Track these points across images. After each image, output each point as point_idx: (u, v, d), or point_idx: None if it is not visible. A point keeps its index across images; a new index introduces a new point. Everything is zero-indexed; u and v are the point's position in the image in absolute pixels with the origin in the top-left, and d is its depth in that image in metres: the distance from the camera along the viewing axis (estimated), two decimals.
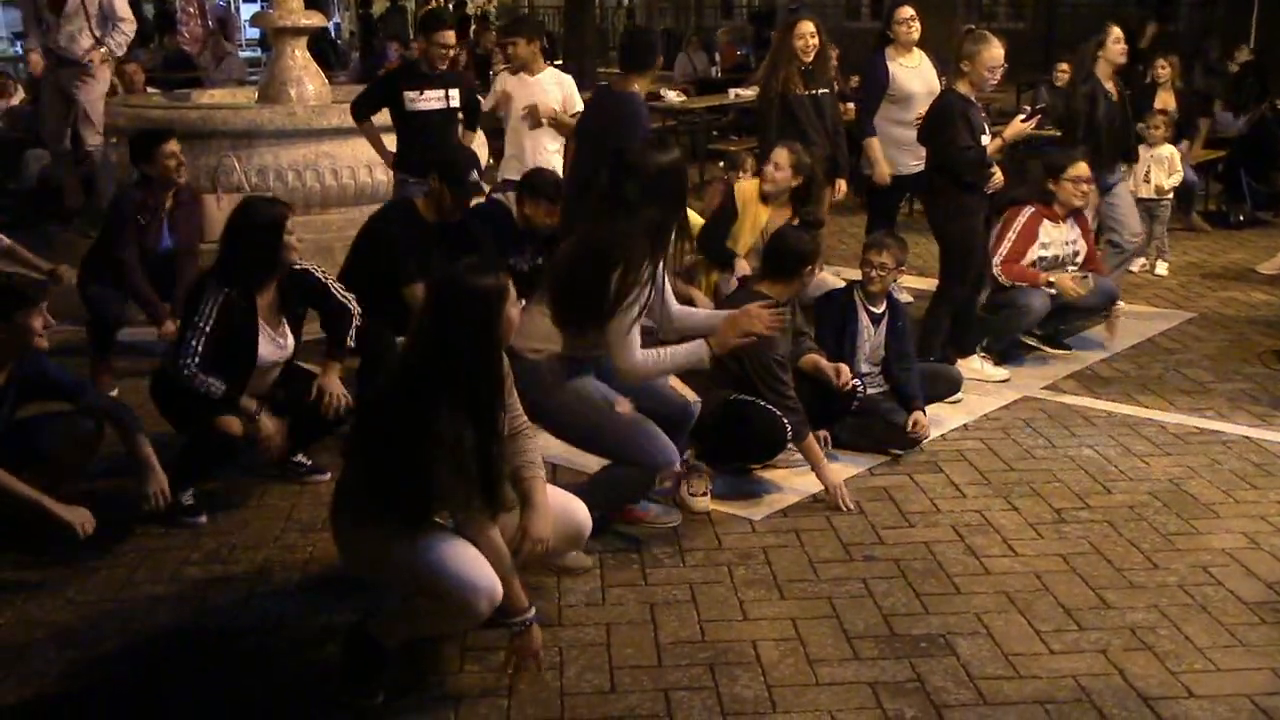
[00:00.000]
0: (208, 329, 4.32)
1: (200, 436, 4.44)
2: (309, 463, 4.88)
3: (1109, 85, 6.83)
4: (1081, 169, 6.22)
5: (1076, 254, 6.38)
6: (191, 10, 16.24)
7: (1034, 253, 6.19)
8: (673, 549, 4.23)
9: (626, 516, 4.38)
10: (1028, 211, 6.23)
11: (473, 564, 3.16)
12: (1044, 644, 3.61)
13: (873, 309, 5.29)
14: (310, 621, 3.74)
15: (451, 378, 3.12)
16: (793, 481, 4.78)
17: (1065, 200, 6.22)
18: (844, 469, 4.88)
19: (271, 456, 4.51)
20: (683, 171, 4.21)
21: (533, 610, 3.26)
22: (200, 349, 4.30)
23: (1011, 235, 6.17)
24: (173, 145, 5.78)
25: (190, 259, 5.91)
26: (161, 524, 4.40)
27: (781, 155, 5.84)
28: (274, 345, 4.52)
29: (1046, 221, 6.22)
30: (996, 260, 6.12)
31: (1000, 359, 6.17)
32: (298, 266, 4.56)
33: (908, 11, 7.02)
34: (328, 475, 4.80)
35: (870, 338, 5.28)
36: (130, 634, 3.72)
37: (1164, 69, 9.80)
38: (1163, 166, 8.22)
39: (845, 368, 4.99)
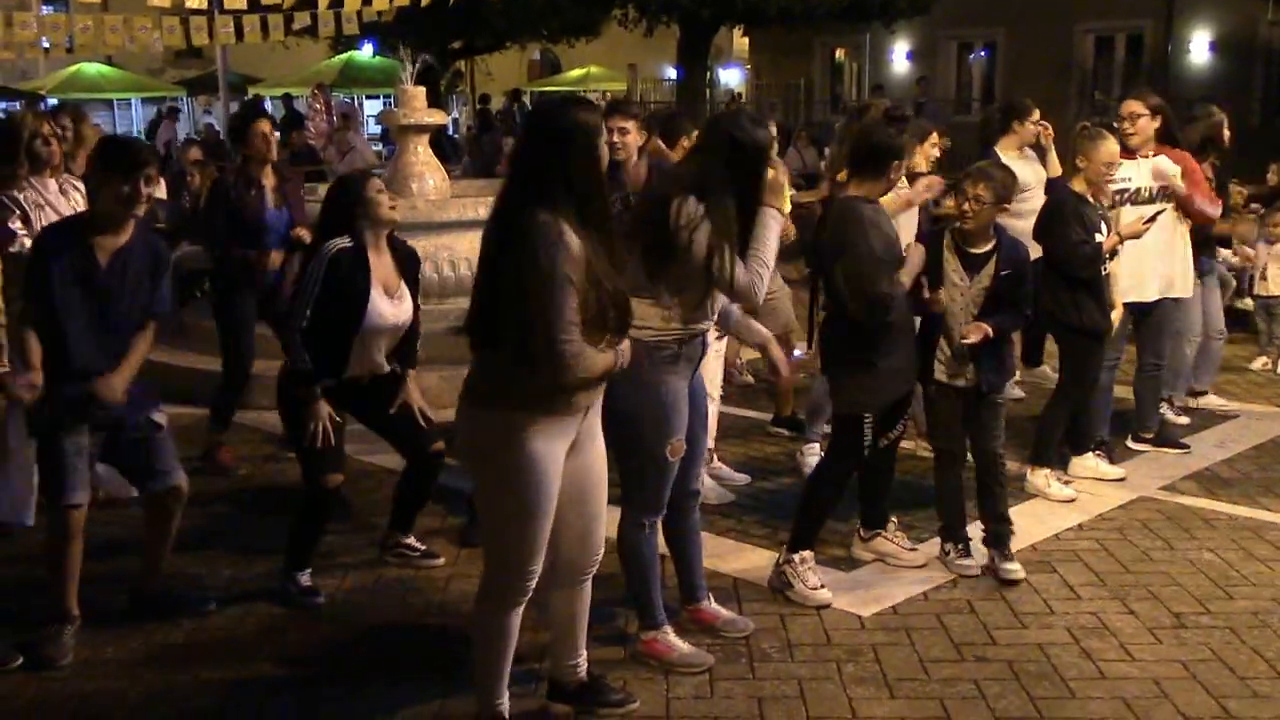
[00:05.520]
0: (315, 289, 4.42)
1: (306, 501, 4.56)
2: (422, 547, 4.96)
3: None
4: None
5: (1164, 188, 5.93)
6: (318, 106, 16.93)
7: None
8: (780, 644, 4.22)
9: (696, 617, 4.31)
10: None
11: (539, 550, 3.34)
12: None
13: (969, 250, 4.59)
14: (424, 708, 3.80)
15: (553, 186, 3.15)
16: (903, 577, 4.74)
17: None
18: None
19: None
20: (761, 146, 3.87)
21: None
22: (307, 311, 4.40)
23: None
24: (264, 125, 6.05)
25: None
26: (281, 604, 4.54)
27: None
28: (390, 304, 4.55)
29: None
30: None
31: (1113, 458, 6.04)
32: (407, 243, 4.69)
33: (1037, 114, 7.04)
34: (440, 560, 4.90)
35: (965, 287, 4.60)
36: (248, 717, 3.82)
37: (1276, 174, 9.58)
38: None
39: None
